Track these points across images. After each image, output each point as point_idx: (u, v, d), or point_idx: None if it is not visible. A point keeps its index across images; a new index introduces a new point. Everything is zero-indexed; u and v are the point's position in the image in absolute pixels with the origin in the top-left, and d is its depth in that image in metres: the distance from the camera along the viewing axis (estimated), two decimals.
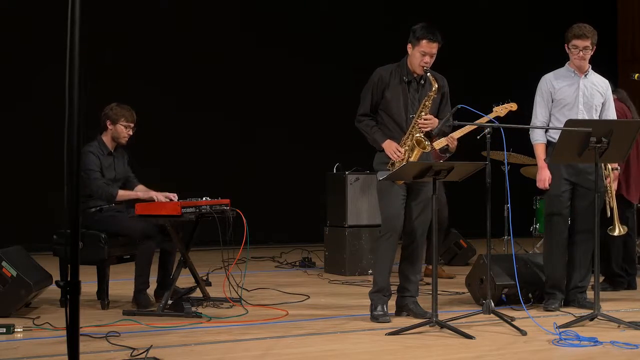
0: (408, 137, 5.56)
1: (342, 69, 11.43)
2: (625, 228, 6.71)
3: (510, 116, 7.21)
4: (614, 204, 6.58)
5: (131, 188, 6.41)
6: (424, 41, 5.52)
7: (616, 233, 6.61)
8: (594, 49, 6.09)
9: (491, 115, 7.14)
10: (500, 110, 7.36)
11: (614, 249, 7.10)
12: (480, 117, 5.82)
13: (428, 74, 5.54)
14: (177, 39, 11.00)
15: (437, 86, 5.53)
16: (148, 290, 6.10)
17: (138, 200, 6.17)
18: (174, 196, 6.16)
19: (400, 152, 5.54)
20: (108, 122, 6.31)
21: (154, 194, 6.16)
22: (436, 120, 5.56)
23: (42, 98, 9.67)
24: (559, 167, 6.05)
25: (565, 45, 6.10)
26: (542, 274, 6.29)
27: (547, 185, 6.10)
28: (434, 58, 5.58)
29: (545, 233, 6.30)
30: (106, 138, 6.34)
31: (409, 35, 5.62)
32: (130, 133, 6.36)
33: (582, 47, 6.03)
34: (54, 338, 4.97)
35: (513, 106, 7.41)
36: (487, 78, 12.14)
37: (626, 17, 14.03)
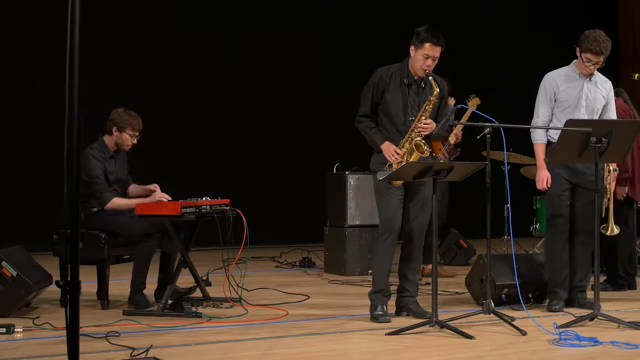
0: (407, 140, 5.56)
1: (342, 69, 11.43)
2: (619, 228, 6.70)
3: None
4: (611, 205, 6.57)
5: (125, 188, 6.42)
6: (428, 44, 5.50)
7: (608, 233, 6.60)
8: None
9: (467, 114, 7.32)
10: (472, 104, 7.61)
11: (621, 250, 7.09)
12: (480, 117, 5.82)
13: (430, 77, 5.53)
14: (177, 39, 11.00)
15: (437, 91, 5.52)
16: (147, 291, 6.10)
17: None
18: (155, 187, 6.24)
19: (398, 154, 5.54)
20: (114, 129, 6.24)
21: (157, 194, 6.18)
22: (434, 124, 5.56)
23: (43, 98, 9.67)
24: (558, 167, 6.04)
25: (578, 49, 5.99)
26: (542, 274, 6.29)
27: (545, 186, 6.10)
28: (437, 61, 5.56)
29: (546, 233, 6.30)
30: (109, 141, 6.30)
31: (412, 36, 5.59)
32: (135, 142, 6.33)
33: (594, 62, 5.95)
34: (54, 338, 4.97)
35: (477, 100, 7.72)
36: (487, 78, 12.13)
37: (626, 17, 14.03)
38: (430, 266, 7.78)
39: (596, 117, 6.10)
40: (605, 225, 6.57)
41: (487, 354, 4.66)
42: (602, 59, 5.96)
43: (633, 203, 7.18)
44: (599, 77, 6.15)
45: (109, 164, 6.25)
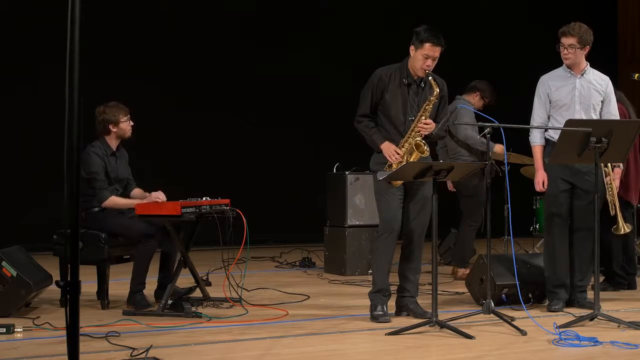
0: (407, 140, 5.55)
1: (342, 69, 11.42)
2: (630, 226, 6.66)
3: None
4: (617, 203, 6.50)
5: (129, 191, 6.41)
6: (428, 44, 5.49)
7: (622, 232, 6.55)
8: (587, 50, 6.01)
9: None
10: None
11: (615, 248, 7.08)
12: (480, 117, 5.84)
13: (430, 77, 5.52)
14: (177, 39, 11.00)
15: (437, 91, 5.52)
16: (146, 291, 6.10)
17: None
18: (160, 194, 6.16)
19: (399, 154, 5.53)
20: (111, 126, 6.25)
21: (153, 196, 6.14)
22: (434, 124, 5.55)
23: (42, 97, 9.67)
24: (556, 167, 6.03)
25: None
26: (542, 274, 6.28)
27: (542, 187, 6.09)
28: (436, 61, 5.56)
29: (546, 233, 6.29)
30: (109, 139, 6.31)
31: (412, 36, 5.58)
32: (132, 124, 6.36)
33: (566, 45, 5.96)
34: (54, 338, 4.97)
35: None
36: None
37: (626, 17, 14.02)
38: (461, 270, 7.75)
39: (593, 114, 6.06)
40: (615, 226, 6.51)
41: (487, 354, 4.66)
42: (572, 41, 5.95)
43: (630, 204, 7.14)
44: (593, 73, 6.12)
45: (110, 162, 6.26)
